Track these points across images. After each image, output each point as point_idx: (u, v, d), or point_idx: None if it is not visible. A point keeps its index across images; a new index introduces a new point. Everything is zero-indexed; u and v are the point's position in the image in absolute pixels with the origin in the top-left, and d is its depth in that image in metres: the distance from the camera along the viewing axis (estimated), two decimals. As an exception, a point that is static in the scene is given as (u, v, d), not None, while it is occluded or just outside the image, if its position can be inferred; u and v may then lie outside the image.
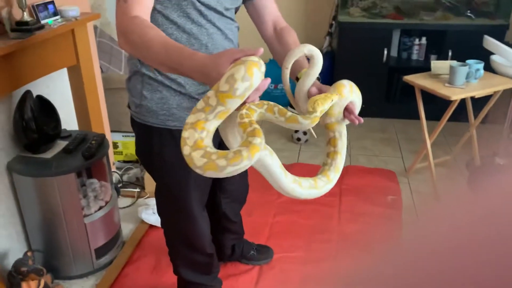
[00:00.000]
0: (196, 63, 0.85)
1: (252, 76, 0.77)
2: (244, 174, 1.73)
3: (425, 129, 2.59)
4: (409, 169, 2.84)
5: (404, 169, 2.92)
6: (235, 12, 1.37)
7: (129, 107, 1.41)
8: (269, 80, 0.84)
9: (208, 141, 0.79)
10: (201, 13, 1.21)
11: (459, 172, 2.89)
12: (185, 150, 0.77)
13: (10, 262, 1.83)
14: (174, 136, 1.35)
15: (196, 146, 0.76)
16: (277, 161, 0.86)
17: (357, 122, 1.01)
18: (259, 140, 0.75)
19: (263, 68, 0.81)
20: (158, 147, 1.39)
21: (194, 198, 1.46)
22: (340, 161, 0.98)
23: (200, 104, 0.78)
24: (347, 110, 1.02)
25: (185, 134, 0.78)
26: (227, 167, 0.73)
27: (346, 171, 2.86)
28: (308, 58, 1.05)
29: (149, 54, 0.94)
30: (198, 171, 0.76)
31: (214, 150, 0.78)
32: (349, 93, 1.01)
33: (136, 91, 1.34)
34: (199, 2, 1.20)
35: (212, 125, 0.79)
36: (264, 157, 0.83)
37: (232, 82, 0.75)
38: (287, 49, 1.17)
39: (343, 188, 2.67)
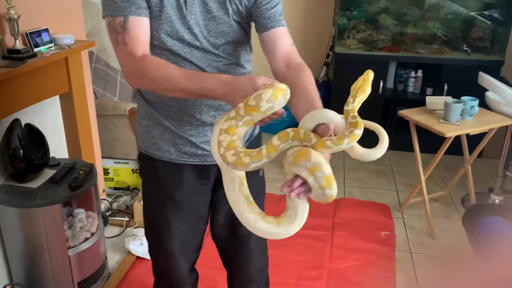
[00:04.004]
0: (226, 79, 0.98)
1: (275, 100, 0.90)
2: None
3: (420, 164, 2.57)
4: (404, 204, 2.80)
5: (399, 203, 2.89)
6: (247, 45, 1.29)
7: None
8: (283, 112, 0.94)
9: (238, 143, 0.92)
10: (173, 51, 1.17)
11: (454, 208, 2.85)
12: (221, 150, 0.90)
13: (-11, 294, 1.77)
14: (154, 166, 1.34)
15: (229, 147, 0.89)
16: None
17: None
18: (276, 140, 0.87)
19: (287, 96, 0.93)
20: (143, 172, 1.41)
21: (172, 231, 1.40)
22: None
23: (232, 113, 0.92)
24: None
25: (220, 138, 0.91)
26: (251, 164, 0.87)
27: (339, 203, 2.82)
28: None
29: (170, 84, 1.04)
30: (230, 167, 0.89)
31: (243, 149, 0.89)
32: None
33: (137, 115, 1.38)
34: (171, 37, 1.16)
35: (242, 131, 0.92)
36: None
37: (259, 100, 0.89)
38: (304, 93, 1.06)
39: (336, 221, 2.63)
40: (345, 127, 0.88)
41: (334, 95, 3.58)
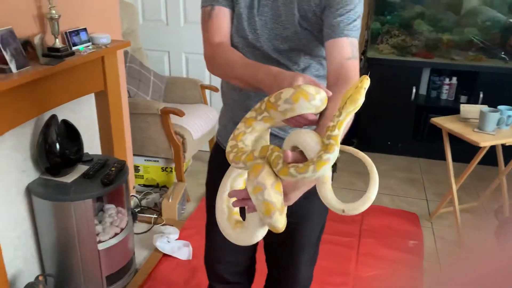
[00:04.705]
0: (274, 72, 0.96)
1: (295, 102, 0.82)
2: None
3: (452, 173, 2.51)
4: (433, 213, 2.74)
5: (428, 213, 2.82)
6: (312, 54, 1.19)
7: None
8: (315, 118, 0.86)
9: (248, 136, 0.88)
10: (238, 48, 1.18)
11: (486, 220, 2.77)
12: (230, 137, 0.89)
13: (22, 284, 1.83)
14: (216, 148, 1.39)
15: (235, 137, 0.87)
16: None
17: None
18: (257, 151, 0.83)
19: (314, 101, 0.83)
20: (211, 151, 1.45)
21: (212, 216, 1.41)
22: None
23: (257, 105, 0.89)
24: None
25: (237, 126, 0.89)
26: (232, 162, 0.85)
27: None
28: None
29: (231, 72, 1.09)
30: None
31: (241, 145, 0.86)
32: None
33: None
34: (237, 34, 1.17)
35: (259, 125, 0.88)
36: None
37: (277, 98, 0.83)
38: (325, 110, 0.88)
39: (363, 228, 2.59)
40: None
41: (364, 100, 3.53)
